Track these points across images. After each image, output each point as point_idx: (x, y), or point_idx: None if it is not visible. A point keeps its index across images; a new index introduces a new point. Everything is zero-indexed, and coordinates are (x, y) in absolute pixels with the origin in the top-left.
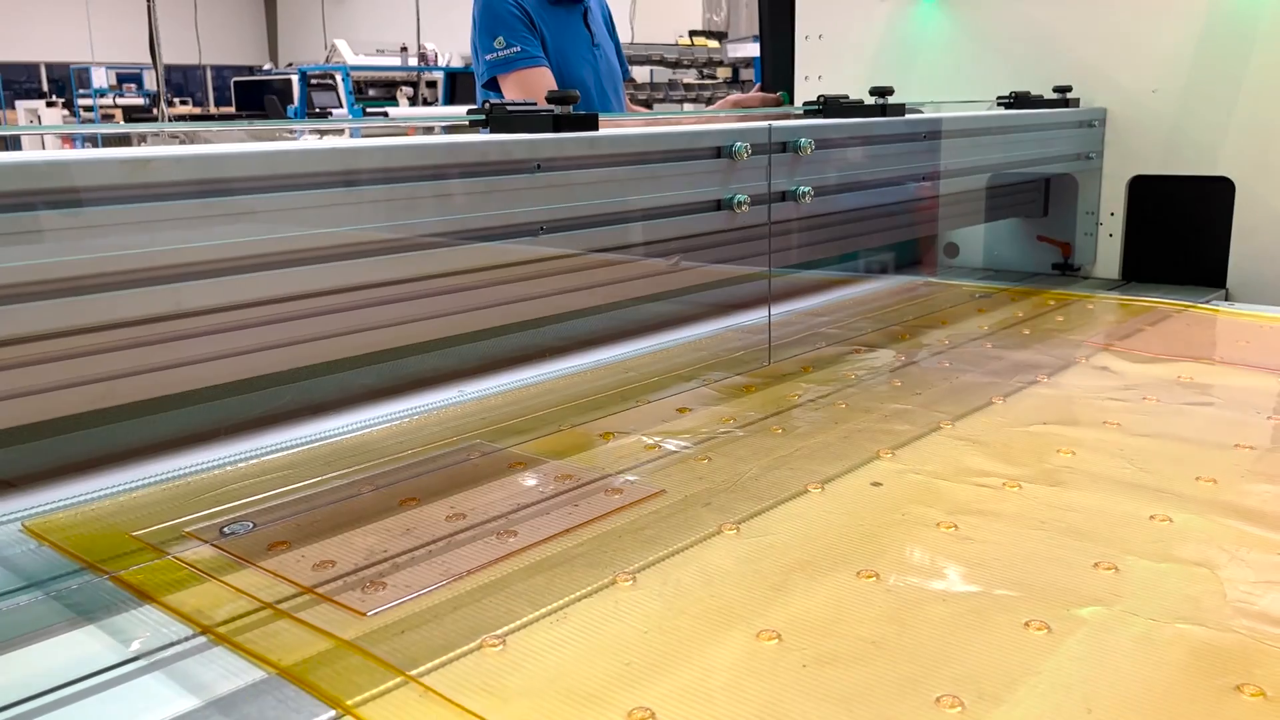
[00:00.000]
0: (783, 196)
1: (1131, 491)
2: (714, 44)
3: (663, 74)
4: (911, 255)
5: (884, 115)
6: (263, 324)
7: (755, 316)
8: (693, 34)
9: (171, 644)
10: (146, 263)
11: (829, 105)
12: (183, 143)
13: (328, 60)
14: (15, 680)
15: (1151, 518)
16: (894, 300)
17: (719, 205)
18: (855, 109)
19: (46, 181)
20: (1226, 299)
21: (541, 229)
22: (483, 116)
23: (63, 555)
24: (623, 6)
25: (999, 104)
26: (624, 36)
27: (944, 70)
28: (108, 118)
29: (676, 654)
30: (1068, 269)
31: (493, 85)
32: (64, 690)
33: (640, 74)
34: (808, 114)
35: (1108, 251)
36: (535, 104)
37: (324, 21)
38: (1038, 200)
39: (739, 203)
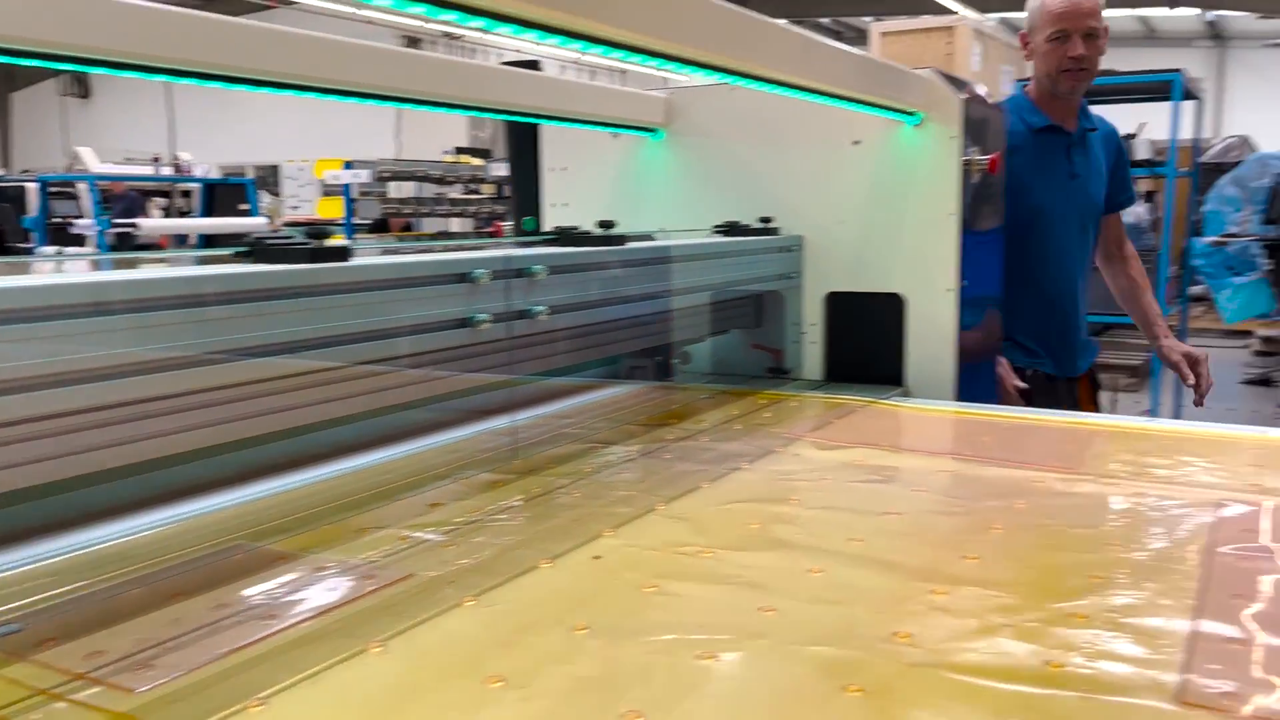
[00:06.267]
0: (520, 315)
1: (799, 551)
2: (479, 161)
3: (430, 189)
4: (649, 363)
5: (607, 244)
6: (22, 440)
7: (503, 421)
8: (459, 150)
9: None
10: None
11: (562, 235)
12: None
13: (69, 168)
14: None
15: (809, 570)
16: (633, 403)
17: (464, 323)
18: (583, 239)
19: None
20: (905, 395)
21: (301, 347)
22: (249, 249)
23: None
24: (387, 122)
25: (715, 232)
26: (388, 153)
27: (673, 201)
28: None
29: (417, 701)
30: (780, 372)
31: None
32: None
33: (406, 189)
34: (545, 243)
35: (811, 356)
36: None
37: (65, 127)
38: (752, 314)
39: (479, 321)
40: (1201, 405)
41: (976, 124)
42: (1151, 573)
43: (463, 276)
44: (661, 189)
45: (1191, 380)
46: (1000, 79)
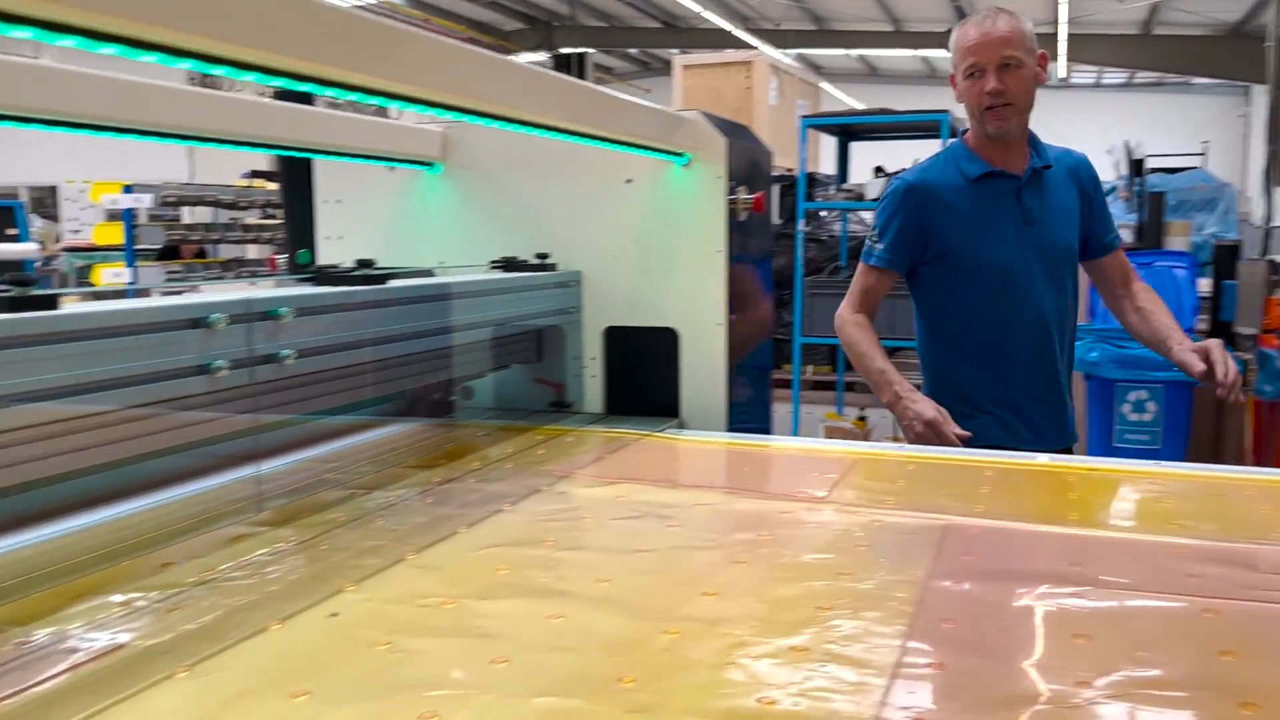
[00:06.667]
0: (267, 359)
1: (544, 597)
2: (275, 186)
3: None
4: (425, 402)
5: (367, 284)
6: None
7: (255, 469)
8: (255, 174)
9: None
10: None
11: (320, 274)
12: None
13: None
14: None
15: (548, 617)
16: (406, 443)
17: (201, 370)
18: (343, 278)
19: None
20: (680, 427)
21: (8, 400)
22: None
23: None
24: (179, 146)
25: (492, 267)
26: (181, 176)
27: (451, 236)
28: None
29: None
30: (562, 406)
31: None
32: None
33: (201, 214)
34: (300, 282)
35: (592, 390)
36: None
37: None
38: (533, 348)
39: (217, 368)
40: (1229, 398)
41: (744, 164)
42: (873, 601)
43: (196, 322)
44: (440, 223)
45: (1199, 369)
46: (796, 113)
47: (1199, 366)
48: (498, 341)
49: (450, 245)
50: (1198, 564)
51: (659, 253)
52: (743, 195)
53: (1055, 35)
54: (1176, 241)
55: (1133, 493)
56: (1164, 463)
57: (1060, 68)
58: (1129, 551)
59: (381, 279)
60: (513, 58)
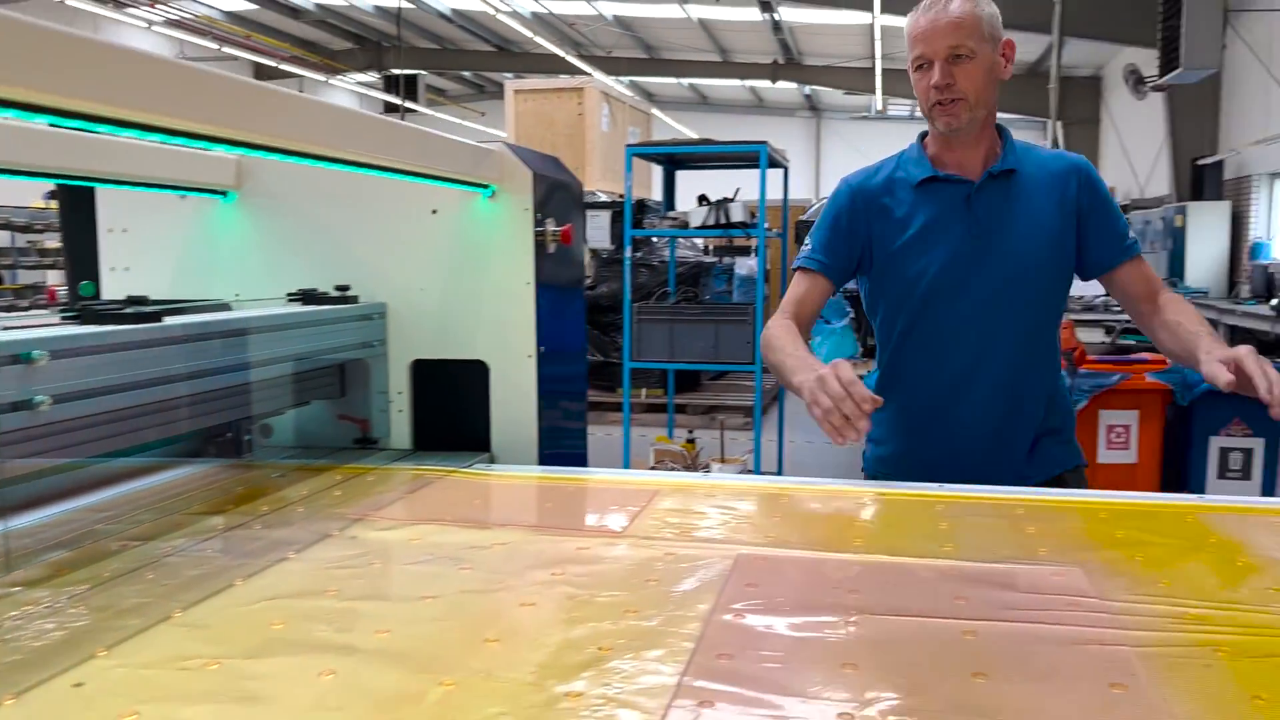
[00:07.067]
0: (16, 407)
1: (318, 652)
2: None
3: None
4: (216, 442)
5: (138, 322)
6: None
7: (13, 522)
8: (51, 195)
9: None
10: None
11: (85, 313)
12: None
13: None
14: None
15: (319, 674)
16: (195, 487)
17: None
18: (111, 316)
19: None
20: (491, 461)
21: None
22: None
23: None
24: None
25: (290, 300)
26: None
27: (248, 267)
28: None
29: None
30: (368, 442)
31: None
32: None
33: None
34: (65, 321)
35: (399, 425)
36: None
37: None
38: (336, 383)
39: None
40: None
41: (553, 196)
42: (656, 639)
43: None
44: (235, 254)
45: (1227, 380)
46: (629, 140)
47: (1225, 378)
48: (298, 377)
49: (247, 277)
50: (965, 586)
51: (467, 284)
52: (550, 227)
53: (873, 69)
54: None
55: (914, 516)
56: (945, 485)
57: (877, 100)
58: (905, 576)
59: (154, 316)
60: (339, 79)
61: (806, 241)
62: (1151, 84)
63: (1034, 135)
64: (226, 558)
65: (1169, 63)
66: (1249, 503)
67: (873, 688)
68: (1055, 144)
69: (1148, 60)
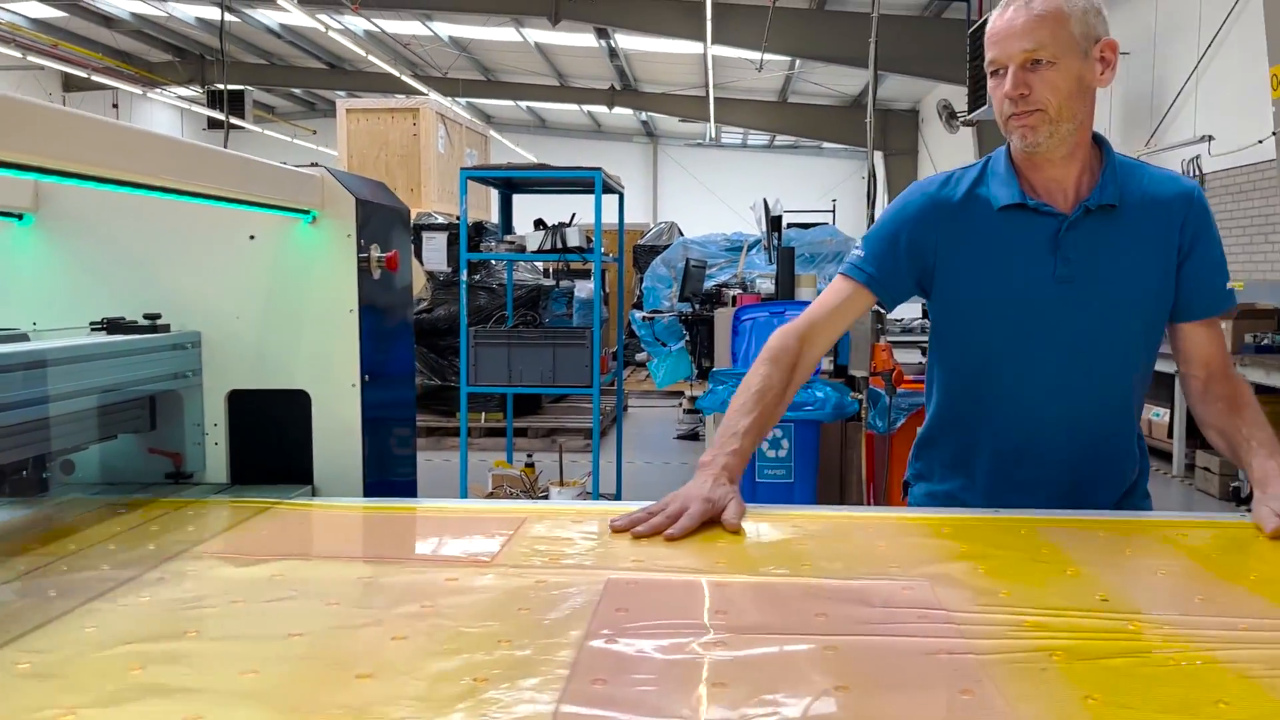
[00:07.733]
0: None
1: (181, 696)
2: None
3: None
4: (13, 480)
5: None
6: None
7: None
8: None
9: None
10: None
11: None
12: None
13: None
14: None
15: None
16: None
17: None
18: None
19: None
20: (313, 493)
21: None
22: None
23: None
24: None
25: (93, 329)
26: None
27: (48, 294)
28: None
29: None
30: (181, 477)
31: None
32: None
33: None
34: None
35: (215, 458)
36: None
37: None
38: (145, 416)
39: None
40: None
41: (378, 222)
42: (530, 667)
43: None
44: (32, 281)
45: (1273, 527)
46: (466, 162)
47: (1272, 525)
48: (103, 410)
49: (46, 305)
50: (825, 603)
51: (287, 312)
52: (375, 253)
53: (706, 97)
54: (806, 292)
55: (775, 535)
56: (801, 506)
57: (711, 128)
58: (769, 595)
59: None
60: (158, 92)
61: (859, 245)
62: (962, 119)
63: (856, 165)
64: (29, 599)
65: (976, 100)
66: (1078, 515)
67: (736, 705)
68: (872, 175)
69: (959, 95)
